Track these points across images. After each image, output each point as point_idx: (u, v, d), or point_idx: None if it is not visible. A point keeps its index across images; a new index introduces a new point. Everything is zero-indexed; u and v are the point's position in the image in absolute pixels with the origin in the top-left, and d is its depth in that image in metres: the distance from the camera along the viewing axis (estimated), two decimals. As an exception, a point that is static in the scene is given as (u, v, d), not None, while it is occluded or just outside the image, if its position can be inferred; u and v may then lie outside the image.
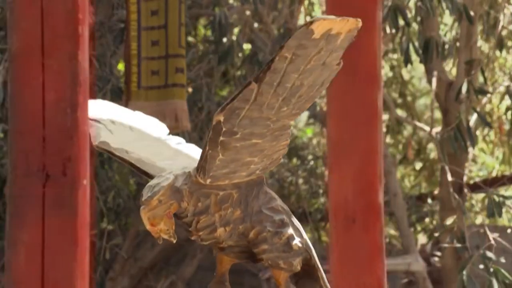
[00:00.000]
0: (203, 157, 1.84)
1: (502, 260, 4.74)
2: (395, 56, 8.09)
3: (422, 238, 8.64)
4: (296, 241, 1.93)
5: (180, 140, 2.16)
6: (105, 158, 6.08)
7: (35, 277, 2.58)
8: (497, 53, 7.14)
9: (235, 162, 1.84)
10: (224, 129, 1.81)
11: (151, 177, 1.93)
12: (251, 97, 1.76)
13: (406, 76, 8.52)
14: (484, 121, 5.41)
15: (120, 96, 5.46)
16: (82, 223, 2.61)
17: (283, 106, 1.78)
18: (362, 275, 2.65)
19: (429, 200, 8.09)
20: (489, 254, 4.66)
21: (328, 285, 2.05)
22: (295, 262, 1.96)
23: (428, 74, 6.69)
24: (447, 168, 5.66)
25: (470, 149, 5.43)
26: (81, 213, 2.61)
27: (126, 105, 4.85)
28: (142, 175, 2.01)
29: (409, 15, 5.28)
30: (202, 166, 1.84)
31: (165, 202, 1.85)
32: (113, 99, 5.66)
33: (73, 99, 2.51)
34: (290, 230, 1.93)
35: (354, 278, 2.67)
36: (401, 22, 5.05)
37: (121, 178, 8.05)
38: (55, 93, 2.49)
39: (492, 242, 4.93)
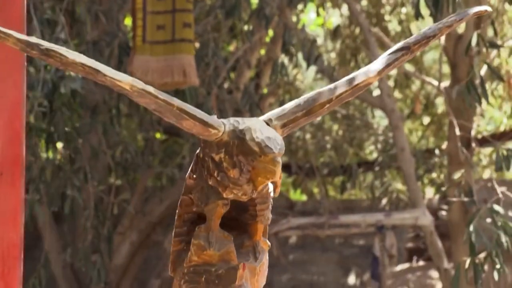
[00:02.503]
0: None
1: (510, 213, 4.75)
2: (404, 10, 8.04)
3: (429, 192, 8.65)
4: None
5: None
6: (113, 114, 6.08)
7: None
8: (506, 6, 7.08)
9: None
10: None
11: (197, 120, 1.89)
12: None
13: (414, 30, 8.47)
14: (496, 74, 5.39)
15: (128, 52, 5.44)
16: None
17: None
18: (6, 231, 2.64)
19: (437, 151, 8.09)
20: (497, 207, 4.66)
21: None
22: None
23: (437, 28, 6.62)
24: (455, 122, 5.65)
25: (479, 104, 5.40)
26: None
27: (131, 59, 4.83)
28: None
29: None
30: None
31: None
32: (120, 55, 5.65)
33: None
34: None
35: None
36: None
37: (129, 133, 8.07)
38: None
39: (500, 195, 4.93)
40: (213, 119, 1.87)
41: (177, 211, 2.00)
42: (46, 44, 1.75)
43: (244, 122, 1.91)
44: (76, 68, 1.77)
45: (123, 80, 1.81)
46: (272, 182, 1.94)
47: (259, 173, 1.88)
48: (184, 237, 2.01)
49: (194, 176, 1.94)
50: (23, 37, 1.75)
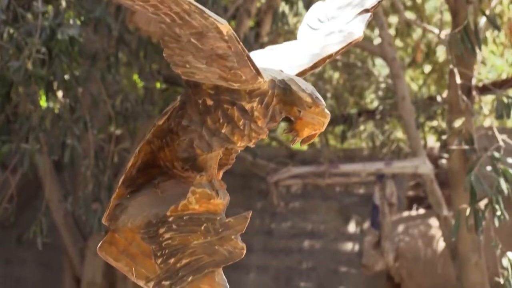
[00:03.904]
0: None
1: (510, 161, 4.74)
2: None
3: (430, 141, 8.65)
4: None
5: None
6: (111, 62, 6.05)
7: None
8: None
9: None
10: None
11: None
12: None
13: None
14: (492, 23, 5.34)
15: None
16: None
17: None
18: None
19: (438, 98, 8.07)
20: (497, 155, 4.65)
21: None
22: None
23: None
24: (455, 70, 5.62)
25: (479, 51, 5.36)
26: None
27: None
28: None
29: None
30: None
31: None
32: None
33: None
34: None
35: None
36: None
37: (129, 82, 8.04)
38: None
39: (501, 143, 4.93)
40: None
41: (132, 158, 1.97)
42: None
43: (277, 73, 1.92)
44: None
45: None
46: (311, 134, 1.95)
47: (307, 123, 1.91)
48: (130, 184, 1.98)
49: (185, 123, 1.92)
50: None
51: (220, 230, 1.94)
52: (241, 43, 1.77)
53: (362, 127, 8.92)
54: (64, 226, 7.39)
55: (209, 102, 1.89)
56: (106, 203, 5.82)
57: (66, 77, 5.31)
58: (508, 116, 4.80)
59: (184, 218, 1.92)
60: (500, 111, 4.81)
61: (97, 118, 6.69)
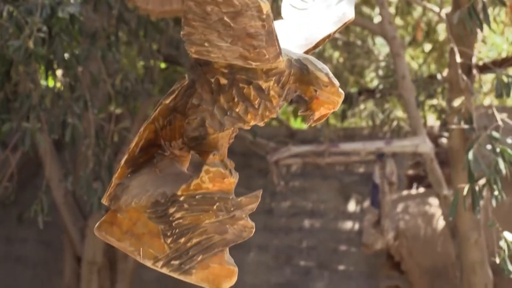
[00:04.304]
0: None
1: (509, 140, 4.74)
2: None
3: (430, 119, 8.65)
4: None
5: None
6: (111, 41, 6.04)
7: None
8: None
9: None
10: None
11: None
12: None
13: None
14: None
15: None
16: None
17: None
18: None
19: (439, 77, 8.06)
20: (496, 134, 4.65)
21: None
22: None
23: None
24: (456, 49, 5.61)
25: (479, 30, 5.34)
26: None
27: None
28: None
29: None
30: None
31: None
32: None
33: None
34: None
35: None
36: None
37: (129, 61, 8.03)
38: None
39: (500, 123, 4.92)
40: None
41: (136, 137, 1.95)
42: None
43: (292, 52, 1.93)
44: None
45: None
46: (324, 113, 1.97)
47: (323, 103, 1.93)
48: (132, 163, 1.96)
49: (195, 102, 1.91)
50: None
51: (232, 209, 1.94)
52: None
53: (362, 106, 8.92)
54: (65, 205, 7.41)
55: (223, 81, 1.89)
56: (107, 182, 5.85)
57: (66, 55, 5.30)
58: (508, 95, 4.79)
59: (197, 197, 1.91)
60: (500, 90, 4.80)
61: (97, 97, 6.69)
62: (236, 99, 1.88)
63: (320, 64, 1.92)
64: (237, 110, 1.89)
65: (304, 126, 10.01)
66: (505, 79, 4.79)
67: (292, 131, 9.12)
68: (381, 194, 7.24)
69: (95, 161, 5.90)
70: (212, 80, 1.89)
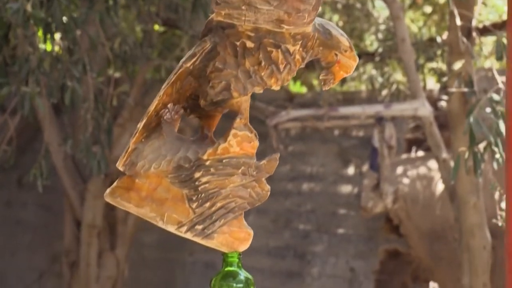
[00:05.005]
0: None
1: (510, 103, 4.73)
2: None
3: (430, 83, 8.64)
4: None
5: None
6: (110, 5, 6.01)
7: None
8: None
9: None
10: None
11: None
12: None
13: None
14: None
15: None
16: None
17: None
18: None
19: (438, 40, 8.03)
20: (497, 97, 4.64)
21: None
22: None
23: None
24: (456, 11, 5.58)
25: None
26: None
27: None
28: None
29: None
30: None
31: None
32: None
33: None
34: None
35: None
36: None
37: (128, 25, 8.00)
38: None
39: (500, 85, 4.91)
40: None
41: (156, 101, 1.92)
42: None
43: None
44: None
45: None
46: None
47: (343, 67, 1.96)
48: (147, 128, 1.95)
49: (219, 65, 1.89)
50: None
51: (254, 172, 1.95)
52: None
53: (361, 70, 8.89)
54: (64, 169, 7.41)
55: (249, 44, 1.86)
56: (106, 146, 5.85)
57: (65, 19, 5.27)
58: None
59: (224, 161, 1.91)
60: (500, 53, 4.78)
61: (95, 61, 6.66)
62: (263, 63, 1.87)
63: (339, 29, 1.93)
64: (262, 73, 1.89)
65: (303, 89, 10.00)
66: (505, 41, 4.77)
67: (291, 95, 9.11)
68: (380, 157, 7.24)
69: (94, 125, 5.88)
70: (238, 43, 1.87)
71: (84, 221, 7.45)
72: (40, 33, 5.28)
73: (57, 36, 5.96)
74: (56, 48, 6.00)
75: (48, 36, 5.35)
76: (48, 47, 5.96)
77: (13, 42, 5.50)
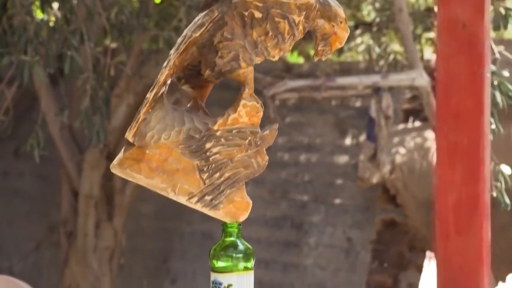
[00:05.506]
0: None
1: (506, 73, 4.73)
2: None
3: (427, 53, 8.63)
4: None
5: None
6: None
7: None
8: None
9: None
10: None
11: None
12: None
13: None
14: None
15: None
16: None
17: None
18: None
19: (436, 9, 8.00)
20: (493, 67, 4.64)
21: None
22: None
23: None
24: (454, -19, 5.56)
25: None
26: None
27: None
28: None
29: None
30: None
31: None
32: None
33: None
34: None
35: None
36: None
37: (124, -5, 7.96)
38: None
39: (497, 55, 4.90)
40: None
41: (165, 71, 1.92)
42: None
43: None
44: None
45: None
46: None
47: (338, 38, 1.99)
48: (155, 99, 1.94)
49: (228, 35, 1.89)
50: None
51: (258, 143, 1.98)
52: None
53: (358, 40, 8.88)
54: (61, 139, 7.41)
55: (257, 14, 1.88)
56: (105, 116, 5.85)
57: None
58: (505, 27, 4.77)
59: (233, 131, 1.94)
60: (497, 22, 4.78)
61: (92, 31, 6.64)
62: (270, 33, 1.88)
63: (336, 1, 1.96)
64: (268, 44, 1.90)
65: (300, 60, 9.98)
66: (502, 11, 4.77)
67: (288, 65, 9.10)
68: (377, 128, 7.25)
69: (92, 95, 5.88)
70: (246, 13, 1.87)
71: (81, 191, 7.46)
72: (37, 1, 5.27)
73: (55, 6, 5.94)
74: (52, 18, 5.98)
75: (46, 5, 5.33)
76: (40, 15, 5.94)
77: (11, 11, 5.49)
